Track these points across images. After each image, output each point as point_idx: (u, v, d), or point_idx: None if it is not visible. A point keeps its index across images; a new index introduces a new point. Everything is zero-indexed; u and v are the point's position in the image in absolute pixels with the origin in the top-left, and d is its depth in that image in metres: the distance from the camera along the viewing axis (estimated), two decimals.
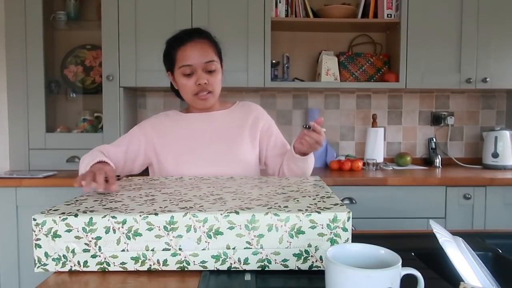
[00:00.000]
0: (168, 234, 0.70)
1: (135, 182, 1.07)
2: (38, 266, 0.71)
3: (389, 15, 2.25)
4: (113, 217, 0.70)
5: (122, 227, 0.69)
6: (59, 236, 0.70)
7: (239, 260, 0.70)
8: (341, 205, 0.75)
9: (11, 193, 1.94)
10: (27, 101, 2.15)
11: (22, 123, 2.16)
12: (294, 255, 0.70)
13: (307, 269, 0.70)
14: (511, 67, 2.24)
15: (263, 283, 0.68)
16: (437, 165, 2.40)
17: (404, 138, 2.58)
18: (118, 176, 1.26)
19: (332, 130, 2.55)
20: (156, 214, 0.70)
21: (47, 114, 2.20)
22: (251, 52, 2.16)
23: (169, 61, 1.30)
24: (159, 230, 0.69)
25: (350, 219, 0.70)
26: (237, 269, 0.70)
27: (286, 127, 2.52)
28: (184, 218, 0.69)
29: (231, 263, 0.70)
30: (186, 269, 0.71)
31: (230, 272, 0.71)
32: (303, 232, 0.69)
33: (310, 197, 0.83)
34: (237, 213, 0.70)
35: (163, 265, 0.70)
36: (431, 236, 0.77)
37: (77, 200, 0.83)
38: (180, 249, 0.70)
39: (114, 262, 0.70)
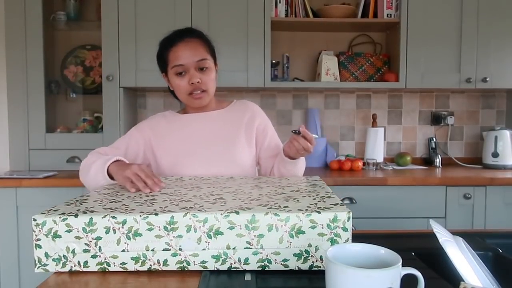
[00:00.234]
0: (168, 234, 0.70)
1: None
2: (38, 267, 0.71)
3: (389, 15, 2.25)
4: (113, 217, 0.70)
5: (122, 227, 0.69)
6: (59, 237, 0.70)
7: (239, 260, 0.70)
8: (341, 205, 0.75)
9: (11, 194, 1.93)
10: (27, 101, 2.15)
11: (22, 123, 2.16)
12: (294, 255, 0.70)
13: (307, 269, 0.70)
14: (511, 67, 2.24)
15: (263, 283, 0.68)
16: (437, 165, 2.40)
17: (404, 138, 2.58)
18: None
19: (332, 130, 2.55)
20: (156, 214, 0.70)
21: (47, 114, 2.20)
22: (251, 52, 2.16)
23: (162, 62, 1.30)
24: (159, 230, 0.69)
25: (350, 219, 0.70)
26: (237, 269, 0.70)
27: (286, 127, 2.52)
28: (184, 218, 0.69)
29: (231, 263, 0.70)
30: (186, 269, 0.71)
31: (230, 272, 0.71)
32: (303, 232, 0.69)
33: (310, 197, 0.83)
34: (237, 213, 0.70)
35: (163, 265, 0.70)
36: (431, 236, 0.77)
37: (77, 200, 0.83)
38: (180, 249, 0.70)
39: (114, 262, 0.70)
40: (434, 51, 2.22)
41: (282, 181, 1.05)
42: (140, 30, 2.14)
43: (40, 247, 0.70)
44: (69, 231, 0.70)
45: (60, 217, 0.70)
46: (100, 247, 0.70)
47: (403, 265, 0.53)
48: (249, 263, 0.70)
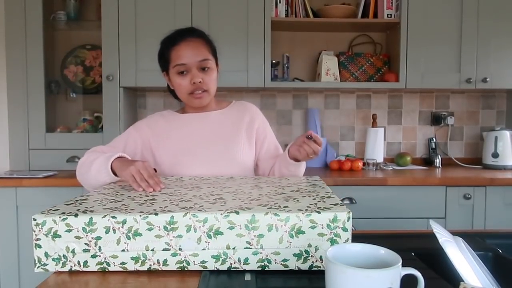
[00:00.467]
0: (168, 234, 0.70)
1: None
2: (38, 266, 0.71)
3: (389, 15, 2.25)
4: (113, 217, 0.70)
5: (122, 227, 0.69)
6: (59, 236, 0.70)
7: (239, 260, 0.70)
8: (341, 205, 0.75)
9: (11, 193, 1.94)
10: (27, 101, 2.15)
11: (22, 123, 2.16)
12: (294, 255, 0.70)
13: (307, 269, 0.70)
14: (511, 67, 2.24)
15: (263, 283, 0.68)
16: (437, 165, 2.40)
17: (404, 138, 2.58)
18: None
19: (332, 130, 2.55)
20: (156, 214, 0.70)
21: (47, 114, 2.20)
22: (251, 52, 2.16)
23: (164, 61, 1.30)
24: (159, 230, 0.69)
25: (350, 219, 0.70)
26: (237, 269, 0.70)
27: (286, 127, 2.52)
28: (184, 218, 0.69)
29: (231, 263, 0.70)
30: (186, 269, 0.71)
31: (230, 272, 0.71)
32: (303, 232, 0.69)
33: (310, 197, 0.83)
34: (237, 213, 0.70)
35: (163, 265, 0.70)
36: (431, 236, 0.77)
37: (77, 200, 0.83)
38: (180, 249, 0.70)
39: (114, 262, 0.70)
40: (434, 51, 2.22)
41: (282, 181, 1.05)
42: (140, 30, 2.14)
43: (40, 246, 0.70)
44: (69, 231, 0.70)
45: (60, 217, 0.70)
46: (100, 247, 0.70)
47: (403, 265, 0.53)
48: (249, 263, 0.70)
